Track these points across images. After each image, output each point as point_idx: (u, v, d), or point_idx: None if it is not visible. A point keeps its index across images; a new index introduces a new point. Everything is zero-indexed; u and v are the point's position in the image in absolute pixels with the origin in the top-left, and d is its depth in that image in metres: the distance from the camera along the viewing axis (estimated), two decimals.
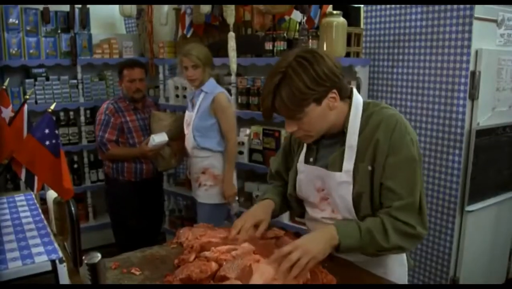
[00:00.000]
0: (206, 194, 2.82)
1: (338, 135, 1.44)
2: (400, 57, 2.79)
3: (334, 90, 1.35)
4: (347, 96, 1.43)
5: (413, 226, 1.34)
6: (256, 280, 1.20)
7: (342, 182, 1.41)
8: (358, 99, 1.44)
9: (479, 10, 2.45)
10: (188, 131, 2.82)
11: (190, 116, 2.82)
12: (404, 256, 1.54)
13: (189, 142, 2.82)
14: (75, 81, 3.65)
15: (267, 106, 1.35)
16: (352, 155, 1.40)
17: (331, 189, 1.45)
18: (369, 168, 1.37)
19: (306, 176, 1.52)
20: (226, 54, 2.95)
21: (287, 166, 1.66)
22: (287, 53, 1.39)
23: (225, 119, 2.74)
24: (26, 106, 1.39)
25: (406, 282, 1.54)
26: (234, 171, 2.84)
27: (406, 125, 1.39)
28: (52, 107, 1.22)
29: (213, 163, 2.79)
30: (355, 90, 1.46)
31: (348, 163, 1.40)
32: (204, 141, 2.75)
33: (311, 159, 1.51)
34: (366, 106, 1.43)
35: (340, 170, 1.41)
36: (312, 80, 1.30)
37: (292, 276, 1.23)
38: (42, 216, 1.17)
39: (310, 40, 2.67)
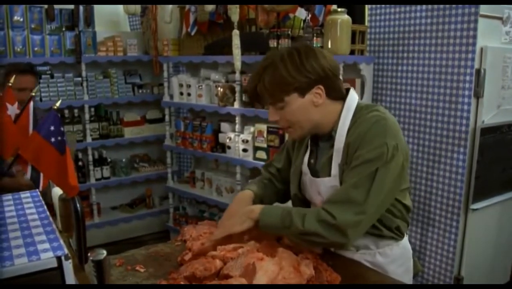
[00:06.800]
0: None
1: (329, 138, 1.43)
2: (405, 54, 2.78)
3: (320, 86, 1.34)
4: (340, 97, 1.40)
5: (334, 216, 1.26)
6: (260, 278, 1.20)
7: (332, 186, 1.41)
8: (352, 101, 1.40)
9: (484, 7, 2.44)
10: None
11: None
12: (411, 262, 1.54)
13: None
14: (79, 78, 3.66)
15: (250, 88, 1.41)
16: (339, 159, 1.38)
17: (325, 194, 1.45)
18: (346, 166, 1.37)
19: (308, 178, 1.52)
20: (230, 52, 2.95)
21: (290, 166, 1.64)
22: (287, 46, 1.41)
23: None
24: (32, 103, 1.39)
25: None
26: None
27: (387, 129, 1.31)
28: (58, 104, 1.22)
29: None
30: (352, 92, 1.43)
31: (336, 167, 1.39)
32: None
33: (312, 161, 1.51)
34: (358, 109, 1.39)
35: (329, 174, 1.41)
36: (295, 69, 1.31)
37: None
38: (48, 213, 1.18)
39: (315, 38, 2.66)
